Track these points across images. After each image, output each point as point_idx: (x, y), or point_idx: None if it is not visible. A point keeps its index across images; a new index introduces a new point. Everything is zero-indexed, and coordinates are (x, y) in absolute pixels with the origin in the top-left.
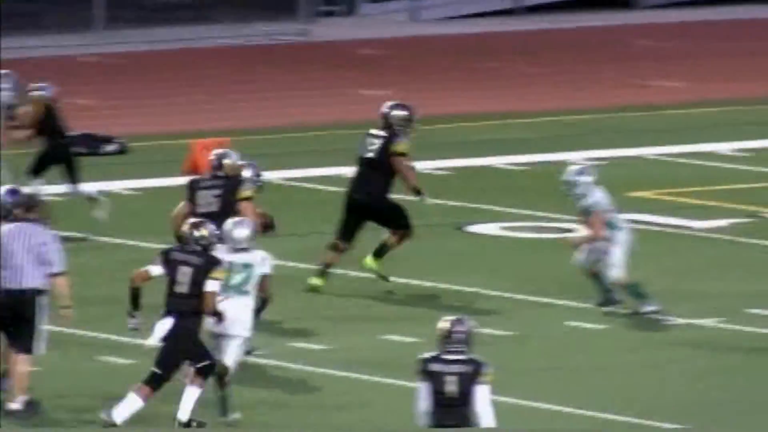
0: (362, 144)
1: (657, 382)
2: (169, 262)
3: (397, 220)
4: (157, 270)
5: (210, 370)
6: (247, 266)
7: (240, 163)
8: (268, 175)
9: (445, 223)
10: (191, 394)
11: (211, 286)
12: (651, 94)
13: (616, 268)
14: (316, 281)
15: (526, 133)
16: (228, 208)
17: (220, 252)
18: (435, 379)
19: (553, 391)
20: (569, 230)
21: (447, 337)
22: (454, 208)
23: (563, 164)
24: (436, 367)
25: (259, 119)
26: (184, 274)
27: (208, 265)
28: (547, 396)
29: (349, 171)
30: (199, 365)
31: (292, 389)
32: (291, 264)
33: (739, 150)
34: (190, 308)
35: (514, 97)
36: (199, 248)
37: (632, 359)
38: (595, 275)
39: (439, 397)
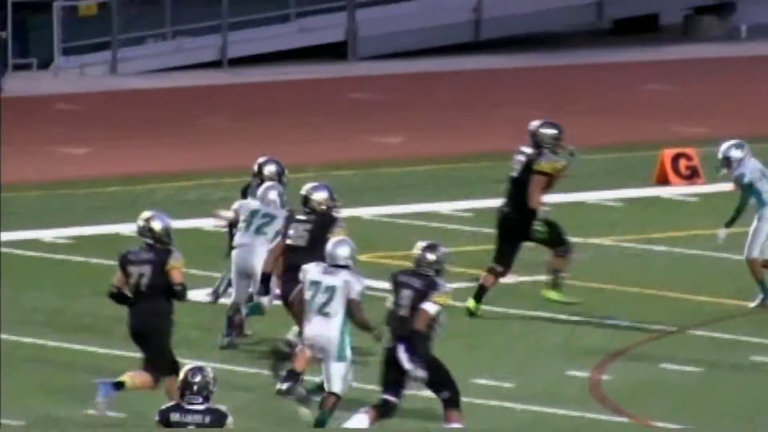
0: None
1: None
2: (395, 283)
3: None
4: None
5: (455, 398)
6: (329, 288)
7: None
8: None
9: None
10: None
11: (427, 306)
12: (368, 150)
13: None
14: (472, 304)
15: (234, 192)
16: (317, 244)
17: (312, 271)
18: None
19: None
20: None
21: (185, 387)
22: None
23: None
24: (175, 416)
25: None
26: (405, 296)
27: (427, 288)
28: None
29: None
30: (442, 397)
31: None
32: None
33: (460, 210)
34: (410, 333)
35: (222, 154)
36: (431, 272)
37: None
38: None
39: None
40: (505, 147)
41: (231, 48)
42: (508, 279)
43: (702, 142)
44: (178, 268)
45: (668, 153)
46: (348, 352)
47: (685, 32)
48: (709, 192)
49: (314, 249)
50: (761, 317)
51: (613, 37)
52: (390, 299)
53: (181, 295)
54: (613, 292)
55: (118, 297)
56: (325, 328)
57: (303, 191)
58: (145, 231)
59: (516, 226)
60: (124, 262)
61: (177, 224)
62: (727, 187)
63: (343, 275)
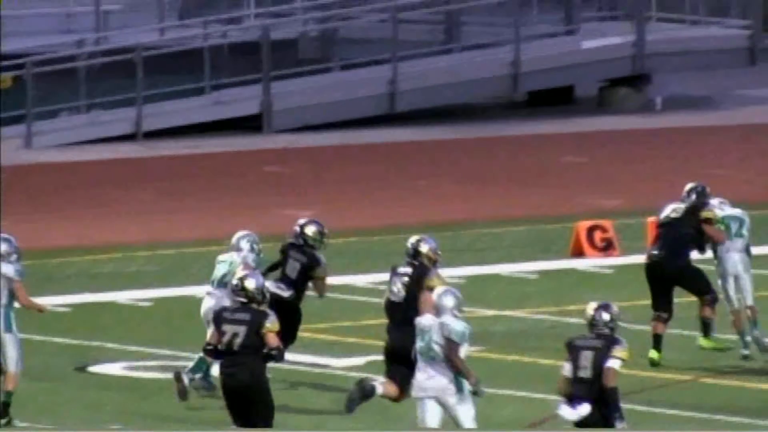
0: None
1: None
2: (571, 348)
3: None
4: (568, 366)
5: None
6: (422, 332)
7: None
8: None
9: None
10: None
11: (611, 363)
12: (282, 222)
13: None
14: (654, 355)
15: (148, 266)
16: (411, 297)
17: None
18: None
19: None
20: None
21: None
22: (75, 346)
23: (190, 299)
24: None
25: None
26: (586, 358)
27: (609, 345)
28: None
29: None
30: None
31: None
32: None
33: (375, 283)
34: (597, 394)
35: (137, 227)
36: (606, 331)
37: None
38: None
39: None
40: (421, 220)
41: (146, 121)
42: None
43: (617, 214)
44: (273, 331)
45: (583, 225)
46: (465, 385)
47: (600, 104)
48: (624, 264)
49: (413, 300)
50: (676, 389)
51: (528, 109)
52: (568, 368)
53: (278, 359)
54: (529, 364)
55: (213, 353)
56: (435, 371)
57: (410, 243)
58: (239, 289)
59: (663, 269)
60: (219, 320)
61: (91, 298)
62: (642, 259)
63: (442, 318)
